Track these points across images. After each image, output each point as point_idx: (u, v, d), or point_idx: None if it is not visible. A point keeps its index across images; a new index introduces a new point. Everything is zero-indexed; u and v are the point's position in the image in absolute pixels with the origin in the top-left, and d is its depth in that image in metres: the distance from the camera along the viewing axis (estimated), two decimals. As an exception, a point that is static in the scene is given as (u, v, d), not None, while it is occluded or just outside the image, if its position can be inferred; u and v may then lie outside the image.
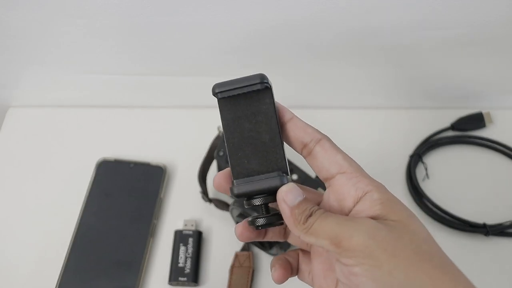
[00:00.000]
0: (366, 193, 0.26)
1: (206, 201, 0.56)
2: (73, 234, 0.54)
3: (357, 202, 0.27)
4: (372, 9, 0.49)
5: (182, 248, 0.52)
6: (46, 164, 0.61)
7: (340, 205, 0.27)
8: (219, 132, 0.53)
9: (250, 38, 0.54)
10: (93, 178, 0.58)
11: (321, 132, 0.29)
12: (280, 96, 0.67)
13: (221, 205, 0.55)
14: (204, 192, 0.55)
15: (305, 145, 0.28)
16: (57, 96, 0.66)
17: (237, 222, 0.51)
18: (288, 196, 0.27)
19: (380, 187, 0.27)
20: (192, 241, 0.52)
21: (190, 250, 0.52)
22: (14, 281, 0.52)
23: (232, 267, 0.51)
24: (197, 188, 0.55)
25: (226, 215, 0.54)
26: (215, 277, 0.52)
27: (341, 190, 0.27)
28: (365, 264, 0.24)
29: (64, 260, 0.52)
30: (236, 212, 0.49)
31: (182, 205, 0.57)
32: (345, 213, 0.27)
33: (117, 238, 0.53)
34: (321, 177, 0.29)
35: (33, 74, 0.62)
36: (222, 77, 0.61)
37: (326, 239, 0.25)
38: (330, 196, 0.28)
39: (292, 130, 0.29)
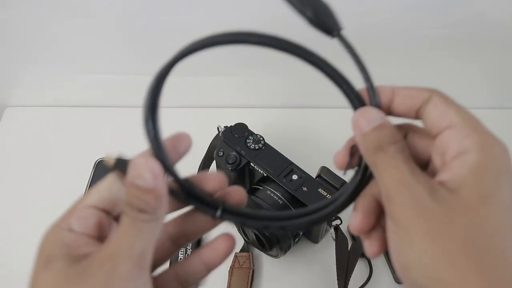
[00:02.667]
0: (464, 152, 0.21)
1: (205, 201, 0.55)
2: (71, 235, 0.54)
3: (453, 159, 0.22)
4: (371, 10, 0.49)
5: (181, 249, 0.52)
6: (45, 164, 0.61)
7: (440, 159, 0.23)
8: (219, 132, 0.52)
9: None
10: (91, 177, 0.58)
11: (428, 89, 0.25)
12: (281, 96, 0.67)
13: (221, 205, 0.55)
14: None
15: (417, 111, 0.24)
16: (55, 95, 0.66)
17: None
18: (360, 121, 0.24)
19: (485, 147, 0.21)
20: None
21: (189, 251, 0.52)
22: (12, 281, 0.52)
23: (232, 268, 0.51)
24: (197, 189, 0.55)
25: (225, 216, 0.54)
26: (215, 278, 0.52)
27: (445, 145, 0.22)
28: (398, 240, 0.21)
29: (62, 261, 0.52)
30: (236, 212, 0.49)
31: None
32: (436, 170, 0.23)
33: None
34: (433, 136, 0.24)
35: (31, 73, 0.62)
36: (223, 77, 0.61)
37: (382, 187, 0.22)
38: (435, 150, 0.23)
39: (399, 105, 0.25)
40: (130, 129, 0.64)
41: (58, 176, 0.60)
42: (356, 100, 0.25)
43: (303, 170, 0.49)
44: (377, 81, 0.63)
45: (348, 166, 0.26)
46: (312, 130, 0.63)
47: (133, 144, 0.61)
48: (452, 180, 0.21)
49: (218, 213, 0.26)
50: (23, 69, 0.61)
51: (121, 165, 0.25)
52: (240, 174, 0.50)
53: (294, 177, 0.48)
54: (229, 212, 0.26)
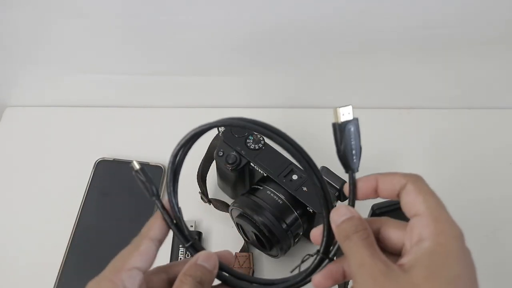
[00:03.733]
0: (422, 240, 0.25)
1: (205, 201, 0.55)
2: (71, 234, 0.54)
3: (413, 245, 0.26)
4: (372, 10, 0.49)
5: (181, 249, 0.52)
6: (45, 164, 0.61)
7: (408, 244, 0.27)
8: (219, 132, 0.52)
9: (251, 39, 0.54)
10: (91, 177, 0.58)
11: (406, 176, 0.28)
12: (281, 96, 0.67)
13: (221, 205, 0.55)
14: (204, 193, 0.55)
15: (398, 195, 0.29)
16: (55, 95, 0.66)
17: (236, 223, 0.50)
18: (334, 217, 0.28)
19: (439, 236, 0.25)
20: (192, 241, 0.52)
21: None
22: (13, 280, 0.52)
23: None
24: (197, 189, 0.55)
25: (225, 216, 0.54)
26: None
27: (410, 232, 0.27)
28: None
29: (62, 260, 0.52)
30: (236, 212, 0.49)
31: (182, 206, 0.57)
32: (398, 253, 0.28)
33: (115, 238, 0.53)
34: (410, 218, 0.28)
35: (31, 73, 0.62)
36: (223, 77, 0.61)
37: (350, 268, 0.27)
38: (406, 236, 0.28)
39: (383, 190, 0.29)
40: (130, 129, 0.65)
41: (58, 176, 0.60)
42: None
43: (303, 170, 0.49)
44: (377, 81, 0.62)
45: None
46: (312, 130, 0.63)
47: (133, 144, 0.62)
48: (408, 263, 0.25)
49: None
50: (23, 69, 0.61)
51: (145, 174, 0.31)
52: (240, 174, 0.50)
53: (294, 177, 0.48)
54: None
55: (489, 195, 0.57)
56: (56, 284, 0.50)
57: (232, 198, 0.56)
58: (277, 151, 0.50)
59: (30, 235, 0.55)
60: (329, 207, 0.29)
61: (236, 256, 0.52)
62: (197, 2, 0.49)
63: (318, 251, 0.30)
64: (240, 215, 0.48)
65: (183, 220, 0.32)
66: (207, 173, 0.55)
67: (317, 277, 0.29)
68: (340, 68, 0.59)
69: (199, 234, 0.53)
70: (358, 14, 0.50)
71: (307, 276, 0.30)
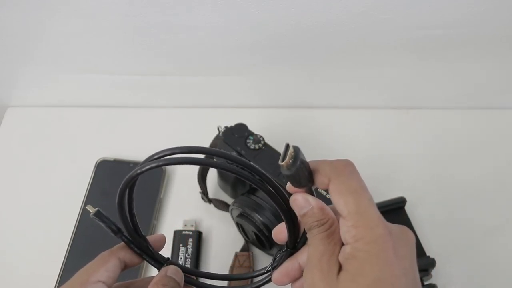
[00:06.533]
0: (345, 243, 0.26)
1: (205, 201, 0.55)
2: (72, 234, 0.54)
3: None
4: (371, 10, 0.49)
5: (181, 249, 0.52)
6: (46, 164, 0.61)
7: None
8: (219, 132, 0.52)
9: (251, 39, 0.54)
10: (92, 178, 0.58)
11: (331, 168, 0.27)
12: (281, 96, 0.67)
13: (221, 205, 0.55)
14: (204, 192, 0.55)
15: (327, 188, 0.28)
16: (56, 95, 0.66)
17: (237, 223, 0.51)
18: (294, 208, 0.28)
19: (359, 240, 0.25)
20: (192, 241, 0.52)
21: (189, 250, 0.52)
22: (13, 280, 0.52)
23: (232, 267, 0.51)
24: (197, 188, 0.55)
25: (226, 216, 0.54)
26: (215, 278, 0.52)
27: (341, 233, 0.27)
28: None
29: (64, 260, 0.52)
30: (236, 212, 0.49)
31: (182, 206, 0.57)
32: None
33: (116, 238, 0.53)
34: None
35: (32, 73, 0.62)
36: (223, 77, 0.62)
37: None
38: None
39: (317, 183, 0.28)
40: (130, 129, 0.65)
41: (59, 176, 0.60)
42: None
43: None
44: (376, 81, 0.62)
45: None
46: (312, 130, 0.63)
47: (134, 144, 0.62)
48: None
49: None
50: (24, 69, 0.61)
51: (101, 216, 0.33)
52: (240, 174, 0.50)
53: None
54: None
55: (489, 195, 0.57)
56: (57, 284, 0.51)
57: (232, 197, 0.56)
58: (277, 151, 0.50)
59: (31, 235, 0.55)
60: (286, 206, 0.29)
61: (236, 256, 0.52)
62: (197, 2, 0.49)
63: (286, 245, 0.30)
64: (240, 215, 0.48)
65: (151, 247, 0.34)
66: (207, 172, 0.56)
67: (275, 274, 0.30)
68: (340, 68, 0.59)
69: (199, 233, 0.54)
70: (358, 15, 0.50)
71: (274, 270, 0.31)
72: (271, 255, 0.51)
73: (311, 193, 0.28)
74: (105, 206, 0.58)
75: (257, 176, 0.28)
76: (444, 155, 0.61)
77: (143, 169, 0.27)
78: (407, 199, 0.53)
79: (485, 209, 0.56)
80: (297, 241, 0.30)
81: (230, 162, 0.28)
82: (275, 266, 0.31)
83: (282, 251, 0.31)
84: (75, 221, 0.55)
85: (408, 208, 0.53)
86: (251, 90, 0.64)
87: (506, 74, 0.60)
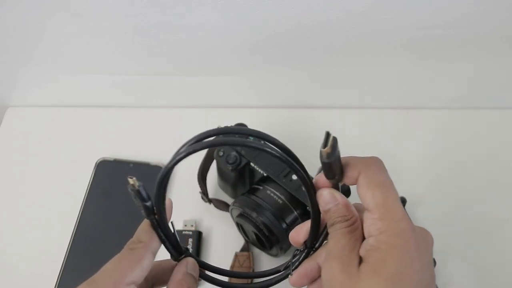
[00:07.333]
0: (369, 236, 0.27)
1: (205, 201, 0.56)
2: (72, 234, 0.54)
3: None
4: (371, 10, 0.49)
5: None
6: (46, 164, 0.61)
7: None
8: (219, 132, 0.52)
9: (251, 39, 0.54)
10: (92, 178, 0.58)
11: (361, 162, 0.28)
12: (281, 96, 0.67)
13: (221, 205, 0.55)
14: (204, 192, 0.55)
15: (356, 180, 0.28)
16: (56, 95, 0.66)
17: (237, 223, 0.51)
18: (320, 202, 0.28)
19: (383, 233, 0.26)
20: (192, 241, 0.52)
21: (189, 250, 0.52)
22: (13, 280, 0.52)
23: (232, 267, 0.51)
24: (197, 188, 0.55)
25: (226, 215, 0.54)
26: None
27: (365, 225, 0.28)
28: None
29: (64, 260, 0.52)
30: (236, 212, 0.49)
31: (182, 205, 0.57)
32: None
33: (116, 238, 0.53)
34: None
35: (32, 73, 0.62)
36: (223, 77, 0.62)
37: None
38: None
39: (347, 178, 0.28)
40: (130, 129, 0.65)
41: (59, 176, 0.60)
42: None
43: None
44: (376, 81, 0.62)
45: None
46: (312, 130, 0.63)
47: (134, 144, 0.62)
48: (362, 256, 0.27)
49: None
50: (24, 69, 0.61)
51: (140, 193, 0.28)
52: (240, 174, 0.51)
53: (294, 177, 0.48)
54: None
55: (489, 194, 0.57)
56: (57, 284, 0.51)
57: (232, 197, 0.56)
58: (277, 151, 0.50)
59: (31, 235, 0.55)
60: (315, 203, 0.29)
61: (236, 256, 0.52)
62: (197, 2, 0.49)
63: (305, 244, 0.30)
64: (240, 215, 0.48)
65: (176, 235, 0.31)
66: (207, 172, 0.56)
67: (293, 277, 0.30)
68: (340, 68, 0.59)
69: (199, 233, 0.54)
70: (358, 15, 0.50)
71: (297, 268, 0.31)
72: (271, 255, 0.51)
73: (337, 189, 0.29)
74: (105, 206, 0.58)
75: (297, 165, 0.28)
76: (444, 155, 0.61)
77: (182, 155, 0.26)
78: (407, 199, 0.53)
79: (485, 209, 0.56)
80: (314, 242, 0.30)
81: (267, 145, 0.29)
82: (296, 266, 0.31)
83: (300, 251, 0.31)
84: (75, 221, 0.55)
85: (408, 208, 0.53)
86: (251, 90, 0.64)
87: (506, 74, 0.60)
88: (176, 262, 0.31)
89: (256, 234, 0.48)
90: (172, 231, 0.30)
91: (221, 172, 0.54)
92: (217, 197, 0.56)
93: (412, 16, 0.50)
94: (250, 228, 0.48)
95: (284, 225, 0.46)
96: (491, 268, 0.52)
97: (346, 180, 0.28)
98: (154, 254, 0.29)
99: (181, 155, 0.26)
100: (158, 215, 0.29)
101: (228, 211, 0.52)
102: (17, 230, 0.56)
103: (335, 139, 0.26)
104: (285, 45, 0.55)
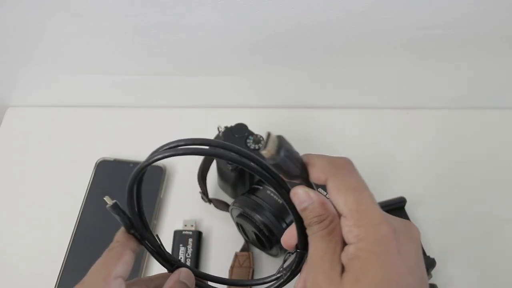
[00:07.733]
0: (348, 243, 0.25)
1: (206, 201, 0.55)
2: (72, 234, 0.54)
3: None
4: (371, 10, 0.49)
5: (181, 249, 0.52)
6: (46, 164, 0.61)
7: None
8: (219, 132, 0.52)
9: (251, 39, 0.54)
10: (92, 178, 0.58)
11: (329, 166, 0.26)
12: (281, 96, 0.67)
13: (221, 205, 0.55)
14: (204, 192, 0.55)
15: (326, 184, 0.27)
16: (56, 95, 0.66)
17: (237, 223, 0.51)
18: (294, 201, 0.27)
19: (362, 241, 0.24)
20: (192, 241, 0.52)
21: (189, 250, 0.52)
22: (13, 280, 0.52)
23: (232, 267, 0.51)
24: (197, 188, 0.55)
25: (226, 215, 0.54)
26: (215, 278, 0.52)
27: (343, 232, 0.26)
28: None
29: (63, 260, 0.52)
30: (236, 212, 0.49)
31: (182, 205, 0.57)
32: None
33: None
34: None
35: (32, 73, 0.62)
36: (223, 77, 0.62)
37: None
38: None
39: (313, 178, 0.27)
40: (130, 129, 0.65)
41: (59, 176, 0.60)
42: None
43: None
44: (376, 81, 0.62)
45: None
46: (312, 130, 0.63)
47: (134, 144, 0.62)
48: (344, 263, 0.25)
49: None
50: (24, 69, 0.61)
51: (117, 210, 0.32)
52: (240, 174, 0.51)
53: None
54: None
55: (489, 195, 0.57)
56: (57, 284, 0.51)
57: (232, 197, 0.56)
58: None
59: (31, 235, 0.55)
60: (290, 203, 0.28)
61: (236, 255, 0.52)
62: (197, 2, 0.49)
63: (297, 247, 0.29)
64: (240, 215, 0.48)
65: (163, 246, 0.33)
66: (207, 172, 0.56)
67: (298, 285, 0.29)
68: (340, 68, 0.59)
69: (199, 233, 0.54)
70: (358, 15, 0.50)
71: (292, 273, 0.31)
72: (271, 255, 0.51)
73: (311, 187, 0.27)
74: (105, 207, 0.58)
75: (262, 169, 0.26)
76: (444, 155, 0.61)
77: (149, 161, 0.27)
78: (407, 199, 0.53)
79: (485, 209, 0.56)
80: (306, 242, 0.29)
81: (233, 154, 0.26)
82: (292, 269, 0.30)
83: (291, 253, 0.30)
84: (75, 221, 0.55)
85: (408, 208, 0.53)
86: (251, 90, 0.64)
87: (506, 74, 0.60)
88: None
89: (256, 234, 0.48)
90: (158, 243, 0.32)
91: (221, 172, 0.54)
92: (217, 197, 0.56)
93: (412, 16, 0.50)
94: (250, 228, 0.48)
95: (284, 225, 0.46)
96: (491, 268, 0.52)
97: (314, 181, 0.27)
98: (134, 251, 0.31)
99: (144, 164, 0.28)
100: (136, 227, 0.32)
101: (228, 211, 0.52)
102: (17, 230, 0.56)
103: (280, 139, 0.25)
104: (285, 45, 0.55)
